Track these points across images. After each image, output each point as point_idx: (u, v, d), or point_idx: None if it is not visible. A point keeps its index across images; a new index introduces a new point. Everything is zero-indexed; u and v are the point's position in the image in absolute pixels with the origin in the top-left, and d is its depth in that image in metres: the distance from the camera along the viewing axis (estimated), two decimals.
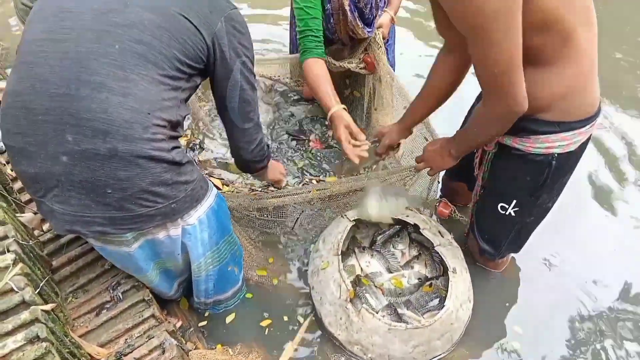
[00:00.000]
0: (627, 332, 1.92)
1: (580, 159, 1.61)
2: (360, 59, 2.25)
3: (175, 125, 1.36)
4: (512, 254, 2.12)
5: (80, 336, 1.56)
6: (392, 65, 2.53)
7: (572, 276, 2.12)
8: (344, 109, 1.95)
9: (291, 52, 2.77)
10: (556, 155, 1.52)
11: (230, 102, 1.52)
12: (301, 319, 1.93)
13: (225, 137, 2.35)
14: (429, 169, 1.84)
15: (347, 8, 2.04)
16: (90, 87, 1.19)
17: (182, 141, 2.58)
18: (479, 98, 1.81)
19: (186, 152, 2.53)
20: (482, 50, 1.20)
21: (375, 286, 1.95)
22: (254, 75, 1.54)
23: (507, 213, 1.75)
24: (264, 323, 1.90)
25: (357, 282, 1.95)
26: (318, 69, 2.03)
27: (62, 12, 1.25)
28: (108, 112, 1.20)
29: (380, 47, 2.22)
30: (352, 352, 1.79)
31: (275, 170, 1.99)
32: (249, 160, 1.73)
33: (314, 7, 2.02)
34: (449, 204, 2.08)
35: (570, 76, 1.35)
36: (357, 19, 2.08)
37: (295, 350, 1.83)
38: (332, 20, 2.15)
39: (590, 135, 1.54)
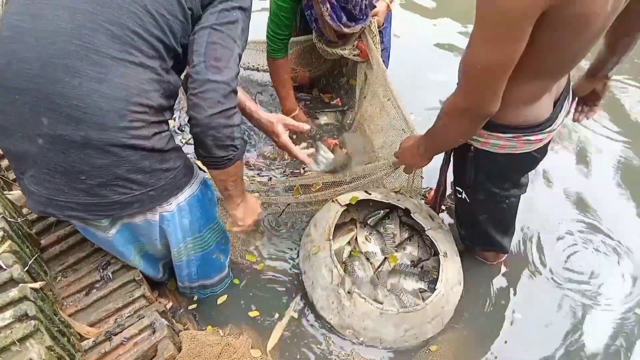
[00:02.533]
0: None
1: (515, 173, 1.63)
2: (354, 46, 2.22)
3: (159, 109, 1.27)
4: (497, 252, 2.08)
5: (69, 315, 1.55)
6: (388, 49, 2.50)
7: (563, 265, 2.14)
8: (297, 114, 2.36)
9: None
10: (472, 148, 1.54)
11: (197, 45, 1.25)
12: (290, 302, 1.93)
13: None
14: (403, 166, 1.82)
15: (327, 19, 1.98)
16: (63, 71, 1.14)
17: (171, 123, 2.53)
18: None
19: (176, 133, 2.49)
20: (476, 42, 1.17)
21: (366, 259, 1.97)
22: (241, 33, 1.30)
23: (462, 196, 1.77)
24: (253, 314, 1.88)
25: (349, 255, 1.99)
26: (285, 70, 2.32)
27: None
28: (81, 99, 1.15)
29: (375, 35, 2.19)
30: (344, 336, 1.79)
31: (251, 208, 1.64)
32: (218, 137, 1.28)
33: (288, 15, 2.10)
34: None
35: (522, 91, 1.33)
36: (342, 26, 2.00)
37: (286, 332, 1.84)
38: (316, 25, 2.16)
39: (530, 154, 1.51)
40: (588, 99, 1.78)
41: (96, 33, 1.15)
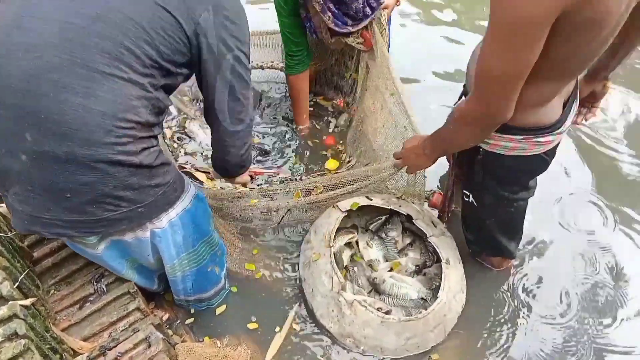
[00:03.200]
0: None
1: (524, 175, 1.61)
2: (359, 34, 2.17)
3: (147, 125, 1.25)
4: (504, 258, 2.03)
5: (62, 330, 1.52)
6: (388, 45, 2.46)
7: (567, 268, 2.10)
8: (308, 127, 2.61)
9: None
10: (482, 150, 1.52)
11: (219, 103, 1.36)
12: (289, 311, 1.89)
13: None
14: (406, 167, 1.78)
15: (331, 26, 2.03)
16: (49, 85, 1.11)
17: (167, 132, 2.51)
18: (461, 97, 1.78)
19: (174, 144, 2.46)
20: (490, 50, 1.13)
21: (369, 265, 1.94)
22: (249, 72, 1.39)
23: (469, 200, 1.74)
24: (252, 326, 1.84)
25: (350, 259, 1.96)
26: (300, 85, 2.42)
27: None
28: (67, 114, 1.12)
29: (384, 29, 2.15)
30: (344, 345, 1.76)
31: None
32: (235, 164, 1.56)
33: (293, 31, 2.20)
34: (442, 194, 2.04)
35: (534, 94, 1.30)
36: (349, 28, 2.04)
37: (285, 341, 1.80)
38: (316, 36, 2.19)
39: (540, 156, 1.49)
40: (586, 100, 1.75)
41: (85, 47, 1.12)
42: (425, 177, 1.99)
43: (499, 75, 1.14)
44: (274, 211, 2.03)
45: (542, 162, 1.54)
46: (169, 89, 1.32)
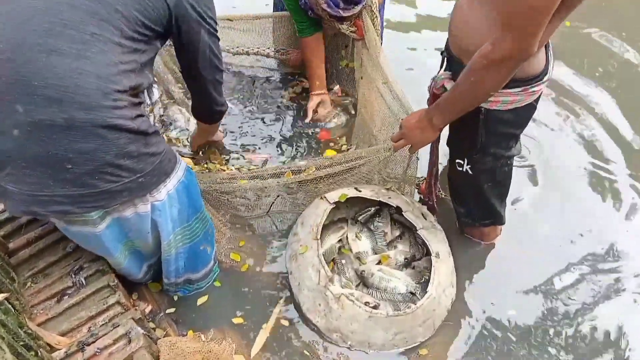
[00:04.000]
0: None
1: (519, 127, 1.65)
2: (352, 22, 2.16)
3: (137, 91, 1.26)
4: (495, 226, 2.03)
5: (39, 324, 1.47)
6: (381, 33, 2.41)
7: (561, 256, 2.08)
8: (324, 93, 2.42)
9: (275, 9, 2.64)
10: (482, 109, 1.53)
11: (203, 63, 1.53)
12: (275, 304, 1.85)
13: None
14: (409, 146, 1.75)
15: (324, 6, 2.04)
16: (39, 51, 1.08)
17: (151, 119, 2.44)
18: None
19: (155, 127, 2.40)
20: None
21: (357, 258, 1.92)
22: (217, 31, 1.54)
23: (464, 170, 1.75)
24: (237, 320, 1.80)
25: (338, 251, 1.94)
26: (313, 47, 2.35)
27: None
28: (61, 77, 1.09)
29: (376, 17, 2.14)
30: (331, 340, 1.72)
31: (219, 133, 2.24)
32: (218, 108, 1.78)
33: (294, 5, 2.20)
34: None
35: None
36: (340, 11, 2.03)
37: (271, 336, 1.76)
38: (312, 13, 2.17)
39: (531, 104, 1.56)
40: None
41: (74, 9, 1.11)
42: (418, 159, 1.96)
43: (534, 8, 1.18)
44: (265, 196, 1.97)
45: (533, 109, 1.61)
46: (148, 60, 1.34)
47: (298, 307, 1.80)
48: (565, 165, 2.43)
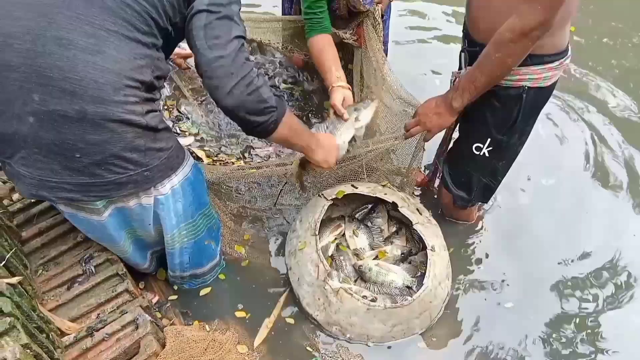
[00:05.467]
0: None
1: (546, 103, 1.70)
2: (353, 30, 2.17)
3: (151, 87, 1.28)
4: (482, 203, 2.14)
5: (50, 310, 1.51)
6: (386, 42, 2.44)
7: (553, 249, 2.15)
8: (345, 86, 1.93)
9: (283, 13, 2.66)
10: (526, 88, 1.57)
11: (194, 25, 1.26)
12: (278, 297, 1.90)
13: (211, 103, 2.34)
14: (425, 132, 1.78)
15: None
16: (56, 44, 1.12)
17: (166, 114, 2.50)
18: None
19: (171, 124, 2.45)
20: None
21: (354, 254, 1.96)
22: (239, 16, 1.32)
23: (481, 153, 1.79)
24: (239, 314, 1.84)
25: (336, 248, 1.97)
26: (322, 45, 1.99)
27: None
28: (76, 71, 1.13)
29: (379, 24, 2.11)
30: (330, 333, 1.77)
31: (328, 147, 1.65)
32: (238, 107, 1.28)
33: None
34: (423, 172, 2.09)
35: (562, 12, 1.37)
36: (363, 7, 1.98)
37: (272, 327, 1.81)
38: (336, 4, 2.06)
39: (557, 80, 1.62)
40: None
41: (89, 5, 1.14)
42: (424, 150, 1.95)
43: None
44: (272, 186, 2.01)
45: (548, 96, 1.67)
46: (167, 53, 1.36)
47: (298, 302, 1.84)
48: (564, 159, 2.52)
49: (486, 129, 1.74)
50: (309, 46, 2.08)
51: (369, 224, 2.07)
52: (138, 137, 1.26)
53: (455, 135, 1.95)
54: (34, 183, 1.26)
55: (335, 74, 1.92)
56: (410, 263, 1.95)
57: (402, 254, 1.97)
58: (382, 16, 2.25)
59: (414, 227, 1.86)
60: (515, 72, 1.54)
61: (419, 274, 1.89)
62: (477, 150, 1.79)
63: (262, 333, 1.79)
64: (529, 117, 1.70)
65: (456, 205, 2.07)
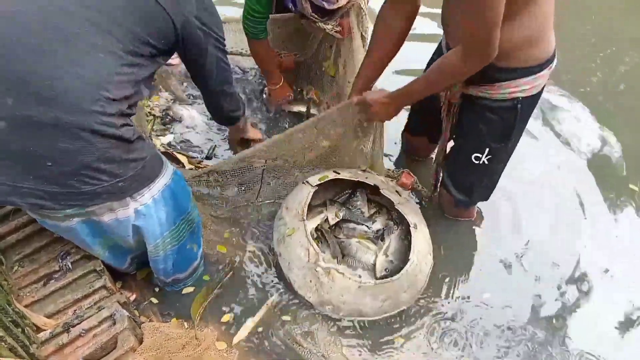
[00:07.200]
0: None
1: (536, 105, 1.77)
2: (336, 22, 2.16)
3: (130, 102, 1.27)
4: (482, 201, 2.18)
5: (26, 306, 1.50)
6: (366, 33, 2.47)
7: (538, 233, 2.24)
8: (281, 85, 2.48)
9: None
10: (520, 99, 1.63)
11: (210, 76, 1.59)
12: (261, 293, 1.91)
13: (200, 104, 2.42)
14: (368, 114, 1.85)
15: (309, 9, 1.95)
16: (34, 50, 1.12)
17: (157, 112, 2.51)
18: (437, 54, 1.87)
19: (164, 123, 2.49)
20: (478, 10, 1.31)
21: (335, 236, 2.01)
22: (224, 46, 1.58)
23: (481, 162, 1.84)
24: (225, 318, 1.83)
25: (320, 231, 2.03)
26: (263, 53, 2.31)
27: None
28: (54, 78, 1.12)
29: (365, 14, 2.15)
30: (324, 312, 1.82)
31: (255, 130, 2.27)
32: (231, 114, 1.88)
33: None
34: (411, 174, 2.12)
35: (528, 27, 1.46)
36: (324, 3, 1.90)
37: (254, 327, 1.80)
38: (294, 6, 2.04)
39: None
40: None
41: (73, 16, 1.14)
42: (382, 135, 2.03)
43: (490, 24, 1.33)
44: (250, 188, 2.06)
45: (538, 98, 1.72)
46: (149, 76, 1.35)
47: (290, 286, 1.86)
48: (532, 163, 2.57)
49: (483, 141, 1.79)
50: (254, 47, 2.27)
51: (350, 207, 2.14)
52: (112, 148, 1.24)
53: (451, 144, 2.01)
54: (3, 189, 1.22)
55: (274, 78, 2.45)
56: (383, 240, 2.02)
57: (382, 229, 2.05)
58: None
59: (396, 207, 1.93)
60: (507, 85, 1.59)
61: (396, 255, 1.97)
62: (477, 160, 1.84)
63: (243, 331, 1.79)
64: (525, 122, 1.77)
65: (458, 206, 2.13)
